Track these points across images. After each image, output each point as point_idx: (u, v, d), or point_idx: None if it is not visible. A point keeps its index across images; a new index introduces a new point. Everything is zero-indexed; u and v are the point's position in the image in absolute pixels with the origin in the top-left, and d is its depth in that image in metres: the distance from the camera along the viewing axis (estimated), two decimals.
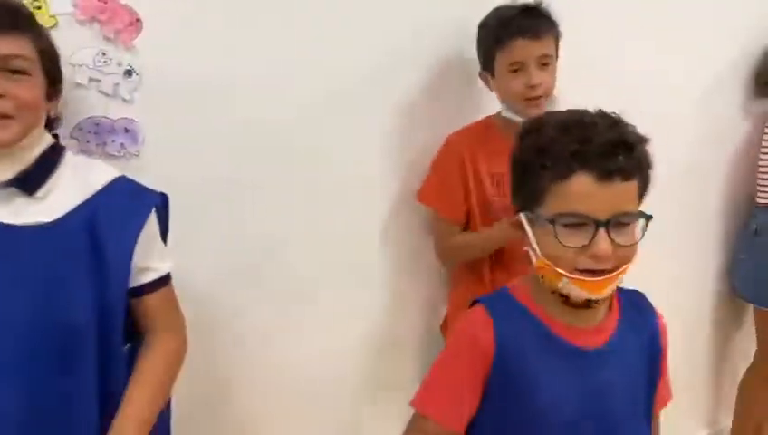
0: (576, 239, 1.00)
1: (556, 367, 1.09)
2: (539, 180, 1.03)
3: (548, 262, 1.04)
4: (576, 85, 1.89)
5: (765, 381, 2.42)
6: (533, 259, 1.07)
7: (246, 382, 1.68)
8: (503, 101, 1.70)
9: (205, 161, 1.51)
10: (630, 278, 1.08)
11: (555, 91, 1.68)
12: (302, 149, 1.63)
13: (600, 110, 1.06)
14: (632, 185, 1.02)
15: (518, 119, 1.64)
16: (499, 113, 1.74)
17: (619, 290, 1.15)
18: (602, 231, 0.99)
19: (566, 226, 1.01)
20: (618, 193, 1.00)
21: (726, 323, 2.59)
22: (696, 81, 2.29)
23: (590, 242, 0.99)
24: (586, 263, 1.01)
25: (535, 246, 1.06)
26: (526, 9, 1.65)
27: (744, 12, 2.32)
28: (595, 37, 1.97)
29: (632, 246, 1.03)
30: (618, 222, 1.00)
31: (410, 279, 1.87)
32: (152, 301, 1.22)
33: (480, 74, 1.73)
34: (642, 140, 1.04)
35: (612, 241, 0.99)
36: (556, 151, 1.00)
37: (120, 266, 1.16)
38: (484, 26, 1.70)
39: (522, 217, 1.08)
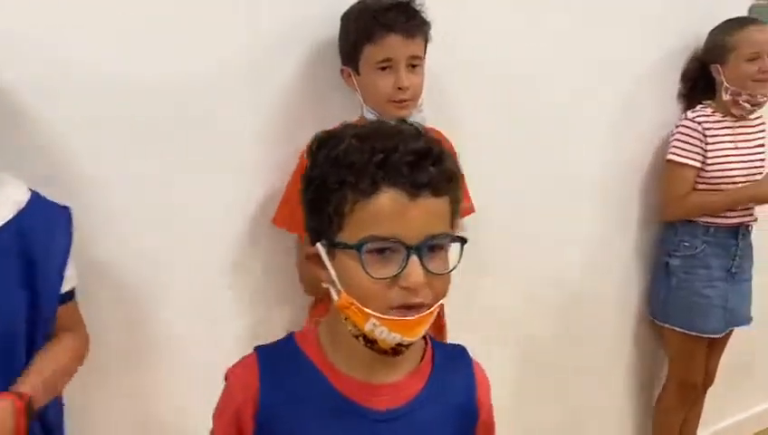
0: (386, 270, 0.84)
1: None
2: (338, 201, 0.85)
3: (353, 300, 0.86)
4: (477, 94, 1.94)
5: (678, 399, 2.46)
6: (334, 297, 0.89)
7: None
8: (365, 101, 1.60)
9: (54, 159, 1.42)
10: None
11: (421, 98, 1.62)
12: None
13: (403, 120, 0.94)
14: (443, 202, 0.87)
15: None
16: (362, 118, 1.61)
17: (435, 343, 1.01)
18: (414, 258, 0.83)
19: (373, 253, 0.84)
20: (429, 211, 0.85)
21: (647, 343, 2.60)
22: (616, 88, 2.28)
23: (402, 271, 0.83)
24: (398, 297, 0.84)
25: (337, 281, 0.88)
26: (400, 4, 1.55)
27: (669, 16, 2.33)
28: (501, 41, 1.97)
29: (447, 276, 0.88)
30: (431, 246, 0.85)
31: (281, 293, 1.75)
32: (68, 307, 1.29)
33: (341, 70, 1.62)
34: (448, 152, 0.89)
35: (426, 269, 0.84)
36: (358, 164, 0.84)
37: (55, 278, 1.23)
38: (350, 17, 1.58)
39: (318, 247, 0.89)
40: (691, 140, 2.23)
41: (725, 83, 2.22)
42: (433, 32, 1.62)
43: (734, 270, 2.30)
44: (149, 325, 1.59)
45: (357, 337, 0.89)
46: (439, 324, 1.78)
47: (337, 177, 0.85)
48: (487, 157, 1.96)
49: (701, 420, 2.60)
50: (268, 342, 0.99)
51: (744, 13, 2.51)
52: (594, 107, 2.24)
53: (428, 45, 1.63)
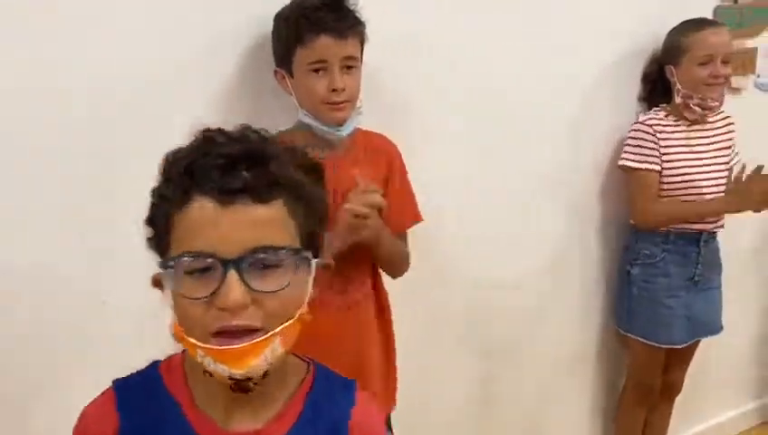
0: (204, 289, 0.74)
1: None
2: (159, 216, 0.80)
3: (181, 329, 0.77)
4: (437, 96, 1.90)
5: (635, 400, 2.41)
6: (171, 328, 0.80)
7: None
8: (300, 104, 1.55)
9: None
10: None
11: (359, 100, 1.58)
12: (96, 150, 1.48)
13: (248, 126, 0.84)
14: (274, 210, 0.77)
15: (319, 126, 1.54)
16: (299, 122, 1.58)
17: (319, 377, 0.90)
18: (232, 273, 0.73)
19: (191, 272, 0.75)
20: (250, 220, 0.76)
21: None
22: (577, 89, 2.22)
23: (217, 290, 0.74)
24: (215, 321, 0.75)
25: (171, 309, 0.79)
26: (330, 3, 1.50)
27: (632, 16, 2.27)
28: (460, 42, 1.93)
29: (284, 294, 0.77)
30: (257, 261, 0.75)
31: None
32: None
33: (275, 72, 1.57)
34: (281, 156, 0.80)
35: (248, 286, 0.74)
36: (173, 173, 0.78)
37: None
38: (282, 17, 1.53)
39: (159, 271, 0.80)
40: (644, 144, 2.17)
41: (678, 85, 2.16)
42: (397, 33, 1.58)
43: (697, 278, 2.23)
44: None
45: (205, 372, 0.79)
46: (386, 333, 1.74)
47: (158, 191, 0.80)
48: (446, 158, 1.93)
49: (669, 428, 2.54)
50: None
51: (708, 14, 2.45)
52: (554, 109, 2.18)
53: (404, 47, 1.64)
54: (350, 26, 1.51)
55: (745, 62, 2.59)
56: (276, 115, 1.61)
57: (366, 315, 1.66)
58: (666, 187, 2.18)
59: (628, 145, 2.20)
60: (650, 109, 2.28)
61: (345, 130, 1.56)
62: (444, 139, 1.95)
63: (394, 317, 1.76)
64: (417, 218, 1.75)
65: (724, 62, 2.12)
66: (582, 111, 2.24)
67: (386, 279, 1.73)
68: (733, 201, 2.09)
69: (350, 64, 1.52)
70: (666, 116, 2.20)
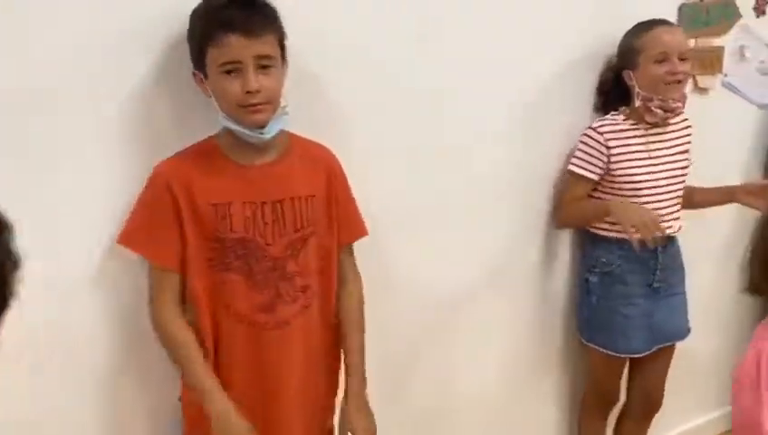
0: None
1: None
2: None
3: None
4: (376, 97, 1.81)
5: (597, 409, 2.36)
6: None
7: None
8: (219, 107, 1.46)
9: None
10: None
11: (283, 101, 1.49)
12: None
13: None
14: None
15: (240, 130, 1.45)
16: (223, 127, 1.49)
17: None
18: None
19: None
20: None
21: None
22: (528, 91, 2.14)
23: None
24: None
25: None
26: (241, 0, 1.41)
27: (593, 18, 2.19)
28: (402, 42, 1.85)
29: None
30: None
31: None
32: None
33: (194, 74, 1.47)
34: None
35: None
36: None
37: None
38: (195, 15, 1.44)
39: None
40: (592, 151, 2.09)
41: (637, 89, 2.08)
42: (335, 40, 1.52)
43: (656, 285, 2.15)
44: None
45: None
46: (332, 358, 1.68)
47: None
48: (389, 164, 1.87)
49: None
50: None
51: (674, 12, 2.37)
52: (509, 112, 2.11)
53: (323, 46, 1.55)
54: (263, 23, 1.41)
55: (712, 62, 2.51)
56: (197, 122, 1.53)
57: (298, 336, 1.55)
58: (622, 192, 2.10)
59: (578, 150, 2.12)
60: (606, 110, 2.20)
61: (268, 133, 1.47)
62: (387, 147, 1.87)
63: None
64: (363, 232, 1.69)
65: (682, 60, 2.04)
66: (539, 114, 2.16)
67: None
68: (616, 210, 2.02)
69: (266, 64, 1.42)
70: (624, 120, 2.12)
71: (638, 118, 2.11)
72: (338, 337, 1.66)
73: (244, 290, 1.49)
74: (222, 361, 1.51)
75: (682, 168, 2.15)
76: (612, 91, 2.17)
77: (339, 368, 1.68)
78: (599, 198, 2.15)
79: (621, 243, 2.11)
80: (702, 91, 2.52)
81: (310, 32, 1.62)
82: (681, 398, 2.59)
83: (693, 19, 2.40)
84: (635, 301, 2.15)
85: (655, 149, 2.11)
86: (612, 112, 2.15)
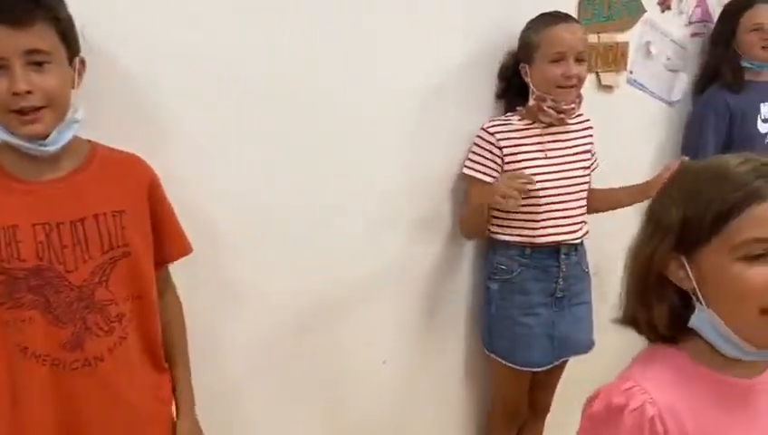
0: None
1: None
2: None
3: None
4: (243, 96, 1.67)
5: (504, 422, 2.24)
6: None
7: None
8: None
9: None
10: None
11: (77, 112, 1.30)
12: None
13: None
14: None
15: (16, 141, 1.24)
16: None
17: None
18: None
19: None
20: None
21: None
22: (422, 87, 2.00)
23: None
24: None
25: None
26: None
27: (492, 8, 2.06)
28: (279, 40, 1.71)
29: None
30: None
31: None
32: None
33: None
34: None
35: None
36: None
37: None
38: None
39: None
40: (484, 153, 1.98)
41: (532, 86, 1.96)
42: (183, 44, 1.37)
43: (559, 294, 2.03)
44: None
45: None
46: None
47: None
48: (255, 168, 1.73)
49: None
50: None
51: (574, 5, 2.26)
52: (401, 116, 1.98)
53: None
54: (33, 11, 1.19)
55: (616, 58, 2.42)
56: None
57: (114, 374, 1.35)
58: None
59: (471, 152, 2.01)
60: (509, 108, 2.08)
61: (52, 145, 1.26)
62: (254, 145, 1.73)
63: None
64: (186, 250, 1.50)
65: (579, 60, 1.93)
66: (436, 110, 2.02)
67: None
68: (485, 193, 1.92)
69: (40, 60, 1.21)
70: (519, 119, 2.01)
71: (534, 117, 1.99)
72: (163, 368, 1.48)
73: (43, 327, 1.28)
74: (22, 415, 1.30)
75: (583, 168, 2.04)
76: (513, 78, 2.05)
77: (171, 402, 1.49)
78: None
79: (522, 248, 2.00)
80: (606, 88, 2.43)
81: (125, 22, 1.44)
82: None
83: (594, 13, 2.31)
84: (536, 310, 2.03)
85: (552, 150, 2.00)
86: (508, 113, 2.04)
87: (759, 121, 2.59)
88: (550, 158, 1.98)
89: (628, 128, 2.52)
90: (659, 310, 0.96)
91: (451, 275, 2.18)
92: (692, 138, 2.62)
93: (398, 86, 1.93)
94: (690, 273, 0.93)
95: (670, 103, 2.66)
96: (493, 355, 2.11)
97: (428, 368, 2.20)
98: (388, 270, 2.03)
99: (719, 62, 2.56)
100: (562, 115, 1.96)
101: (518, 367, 2.06)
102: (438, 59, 2.00)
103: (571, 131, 2.05)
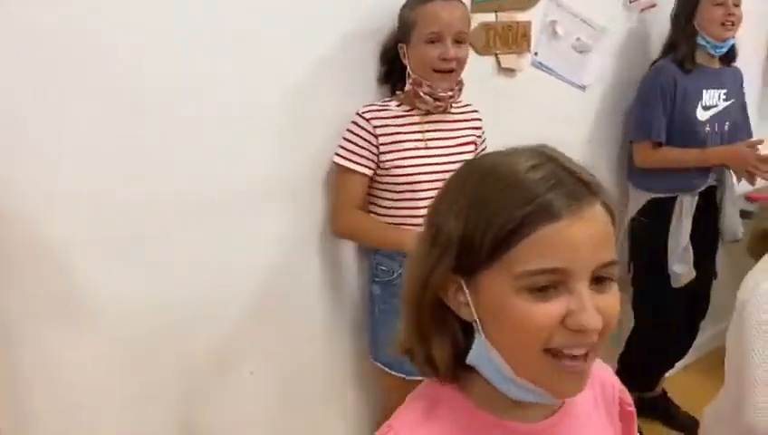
0: None
1: None
2: None
3: None
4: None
5: None
6: None
7: None
8: None
9: None
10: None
11: None
12: None
13: None
14: None
15: None
16: None
17: None
18: None
19: None
20: None
21: None
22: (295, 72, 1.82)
23: None
24: None
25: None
26: None
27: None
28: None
29: None
30: None
31: None
32: None
33: None
34: None
35: None
36: None
37: None
38: None
39: None
40: (358, 140, 1.79)
41: (409, 69, 1.78)
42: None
43: None
44: None
45: None
46: None
47: None
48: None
49: None
50: None
51: None
52: (266, 100, 1.78)
53: None
54: None
55: (517, 39, 2.25)
56: None
57: None
58: (398, 189, 1.80)
59: (343, 139, 1.81)
60: (393, 92, 1.90)
61: None
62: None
63: None
64: None
65: (458, 42, 1.75)
66: (311, 99, 1.83)
67: None
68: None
69: None
70: (398, 105, 1.82)
71: (412, 103, 1.81)
72: None
73: None
74: None
75: (467, 161, 1.85)
76: (396, 60, 1.85)
77: None
78: (373, 196, 1.85)
79: None
80: (508, 72, 2.26)
81: None
82: None
83: None
84: None
85: (433, 139, 1.82)
86: (386, 98, 1.85)
87: (699, 108, 2.45)
88: (430, 148, 1.81)
89: (534, 114, 2.36)
90: (438, 343, 0.78)
91: (331, 277, 1.99)
92: (640, 112, 2.49)
93: (268, 74, 1.75)
94: (470, 300, 0.75)
95: (582, 87, 2.50)
96: (377, 364, 1.94)
97: (307, 377, 2.02)
98: (257, 274, 1.85)
99: (677, 36, 2.44)
100: (440, 103, 1.79)
101: (404, 376, 1.89)
102: (312, 41, 1.81)
103: (455, 120, 1.87)
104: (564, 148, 2.20)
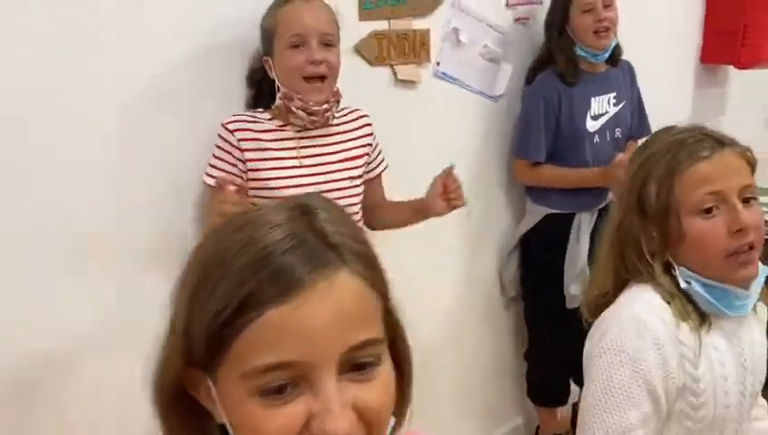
0: None
1: None
2: None
3: None
4: None
5: None
6: None
7: None
8: None
9: None
10: None
11: None
12: None
13: None
14: None
15: None
16: None
17: None
18: None
19: None
20: None
21: None
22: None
23: None
24: None
25: None
26: None
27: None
28: None
29: None
30: None
31: None
32: None
33: None
34: None
35: None
36: None
37: None
38: None
39: None
40: (224, 155, 1.61)
41: (278, 83, 1.61)
42: None
43: None
44: None
45: None
46: None
47: None
48: None
49: None
50: None
51: None
52: (105, 124, 1.60)
53: None
54: None
55: (415, 48, 2.09)
56: None
57: None
58: None
59: (212, 155, 1.62)
60: None
61: None
62: None
63: None
64: None
65: (326, 45, 1.58)
66: (164, 119, 1.64)
67: None
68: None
69: None
70: (270, 118, 1.65)
71: (286, 118, 1.64)
72: None
73: None
74: None
75: (350, 178, 1.68)
76: (264, 82, 1.68)
77: None
78: None
79: None
80: (407, 84, 2.10)
81: None
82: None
83: None
84: None
85: (309, 156, 1.64)
86: (260, 109, 1.68)
87: (588, 118, 2.31)
88: (306, 166, 1.63)
89: (441, 128, 2.21)
90: None
91: None
92: (520, 129, 2.35)
93: (112, 87, 1.56)
94: (217, 400, 0.60)
95: (494, 98, 2.36)
96: None
97: None
98: (100, 314, 1.63)
99: (553, 49, 2.28)
100: (315, 118, 1.61)
101: None
102: (167, 49, 1.63)
103: (338, 133, 1.70)
104: (477, 162, 2.06)
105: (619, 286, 1.23)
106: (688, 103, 2.98)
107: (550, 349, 2.43)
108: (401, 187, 2.06)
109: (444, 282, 2.37)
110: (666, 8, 2.67)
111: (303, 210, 0.61)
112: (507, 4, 2.33)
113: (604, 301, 1.24)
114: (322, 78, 1.58)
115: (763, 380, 1.28)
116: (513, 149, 2.39)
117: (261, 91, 1.70)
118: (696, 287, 1.15)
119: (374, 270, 0.61)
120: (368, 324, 0.58)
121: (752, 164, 1.17)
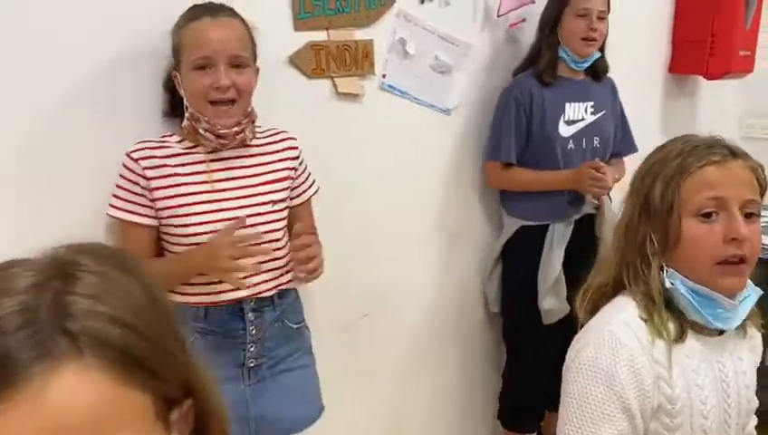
0: None
1: None
2: None
3: None
4: None
5: None
6: None
7: None
8: None
9: None
10: None
11: None
12: None
13: None
14: None
15: None
16: None
17: None
18: None
19: None
20: None
21: None
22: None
23: None
24: None
25: None
26: None
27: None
28: None
29: None
30: None
31: None
32: None
33: None
34: None
35: None
36: None
37: None
38: None
39: None
40: (129, 186, 1.50)
41: (185, 101, 1.50)
42: None
43: (251, 363, 1.58)
44: None
45: None
46: None
47: None
48: None
49: None
50: None
51: None
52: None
53: None
54: None
55: (358, 60, 1.99)
56: None
57: None
58: (180, 241, 1.51)
59: (116, 186, 1.51)
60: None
61: None
62: None
63: None
64: None
65: (235, 66, 1.47)
66: (73, 134, 1.55)
67: None
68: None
69: None
70: (179, 140, 1.54)
71: (195, 139, 1.53)
72: None
73: None
74: None
75: (271, 202, 1.58)
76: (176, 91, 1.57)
77: None
78: (164, 249, 1.56)
79: (195, 309, 1.53)
80: (350, 97, 2.00)
81: None
82: None
83: (316, 6, 1.87)
84: (222, 388, 1.55)
85: (222, 180, 1.53)
86: (168, 133, 1.57)
87: (562, 123, 2.22)
88: (219, 191, 1.52)
89: (388, 143, 2.10)
90: None
91: None
92: (492, 135, 2.26)
93: (17, 102, 1.46)
94: None
95: (446, 111, 2.25)
96: None
97: None
98: None
99: (541, 46, 2.22)
100: (224, 141, 1.50)
101: None
102: (79, 61, 1.53)
103: (258, 154, 1.59)
104: (426, 176, 1.95)
105: (617, 284, 1.22)
106: (656, 113, 2.88)
107: (524, 371, 2.34)
108: (345, 207, 1.97)
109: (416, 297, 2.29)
110: (633, 16, 2.56)
111: (61, 271, 0.50)
112: (497, 15, 2.25)
113: (601, 294, 1.24)
114: (232, 101, 1.47)
115: (752, 409, 1.25)
116: (483, 152, 2.31)
117: (176, 97, 1.57)
118: (681, 290, 1.14)
119: (136, 358, 0.50)
120: (121, 426, 0.48)
121: (762, 184, 1.15)
